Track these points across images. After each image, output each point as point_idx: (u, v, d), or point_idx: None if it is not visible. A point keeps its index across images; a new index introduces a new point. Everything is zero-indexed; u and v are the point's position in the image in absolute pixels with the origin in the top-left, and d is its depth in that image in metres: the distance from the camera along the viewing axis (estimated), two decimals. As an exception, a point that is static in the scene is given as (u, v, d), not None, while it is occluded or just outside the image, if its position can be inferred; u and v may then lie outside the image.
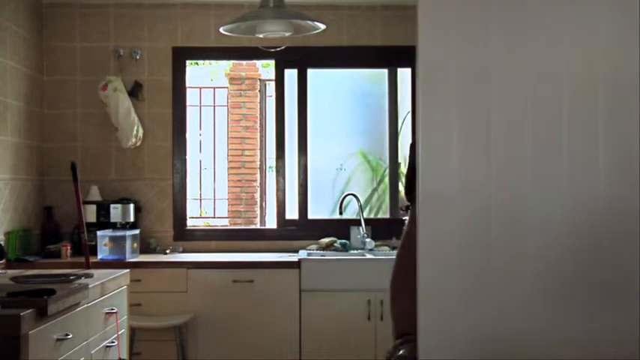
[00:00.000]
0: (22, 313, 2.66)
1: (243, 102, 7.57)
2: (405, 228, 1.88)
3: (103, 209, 5.33)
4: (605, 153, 1.37)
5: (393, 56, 5.67)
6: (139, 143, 5.47)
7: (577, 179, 1.37)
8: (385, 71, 5.81)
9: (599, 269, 1.37)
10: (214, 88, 7.93)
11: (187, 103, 5.77)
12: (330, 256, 5.26)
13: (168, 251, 5.42)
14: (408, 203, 1.85)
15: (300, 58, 5.67)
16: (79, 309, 3.24)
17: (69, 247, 5.14)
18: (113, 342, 3.72)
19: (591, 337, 1.37)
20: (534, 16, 1.38)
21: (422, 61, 1.39)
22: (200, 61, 7.86)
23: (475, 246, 1.38)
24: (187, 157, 5.75)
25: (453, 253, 1.39)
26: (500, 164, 1.38)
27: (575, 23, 1.37)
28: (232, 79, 7.61)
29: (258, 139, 7.30)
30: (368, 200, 5.98)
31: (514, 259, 1.37)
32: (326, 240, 5.45)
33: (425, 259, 1.39)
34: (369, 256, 5.20)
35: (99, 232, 5.13)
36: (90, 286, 3.35)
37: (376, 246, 5.39)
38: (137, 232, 5.33)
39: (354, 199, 5.64)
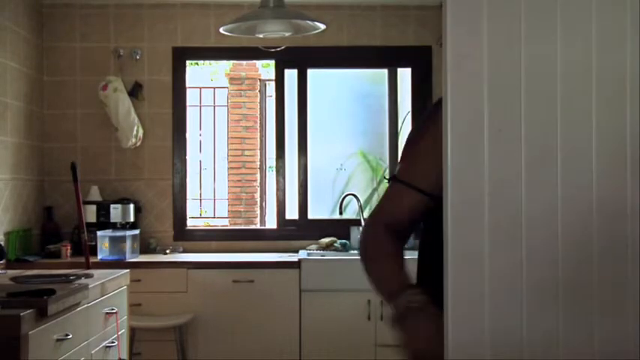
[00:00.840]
0: (22, 313, 2.66)
1: (243, 102, 7.57)
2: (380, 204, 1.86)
3: (103, 209, 5.33)
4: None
5: (393, 56, 5.67)
6: (139, 143, 5.47)
7: (602, 180, 1.37)
8: (385, 71, 5.80)
9: (610, 270, 1.37)
10: (214, 88, 7.93)
11: (187, 103, 5.77)
12: (330, 256, 5.26)
13: (168, 251, 5.42)
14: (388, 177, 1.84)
15: (300, 58, 5.66)
16: (79, 309, 3.24)
17: (69, 247, 5.14)
18: (113, 342, 3.72)
19: (591, 337, 1.37)
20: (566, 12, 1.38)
21: (450, 54, 1.39)
22: (200, 61, 7.85)
23: (504, 247, 1.39)
24: (187, 157, 5.75)
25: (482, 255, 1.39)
26: (530, 164, 1.37)
27: (604, 20, 1.37)
28: (232, 79, 7.61)
29: (258, 139, 7.30)
30: (368, 200, 5.98)
31: (516, 261, 1.37)
32: (326, 240, 5.45)
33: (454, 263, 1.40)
34: (369, 256, 5.19)
35: (99, 232, 5.13)
36: (90, 286, 3.35)
37: (376, 246, 5.39)
38: (137, 232, 5.33)
39: (354, 199, 5.64)
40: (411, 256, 1.78)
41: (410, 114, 5.77)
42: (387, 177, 1.74)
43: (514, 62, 1.37)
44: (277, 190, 5.75)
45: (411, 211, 1.74)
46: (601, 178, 1.37)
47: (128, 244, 5.13)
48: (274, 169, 5.95)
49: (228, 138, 7.59)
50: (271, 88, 6.35)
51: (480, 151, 1.37)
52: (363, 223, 5.50)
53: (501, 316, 1.37)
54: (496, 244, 1.38)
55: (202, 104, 7.62)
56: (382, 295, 1.74)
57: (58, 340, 2.99)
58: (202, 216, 7.91)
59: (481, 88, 1.37)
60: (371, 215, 1.84)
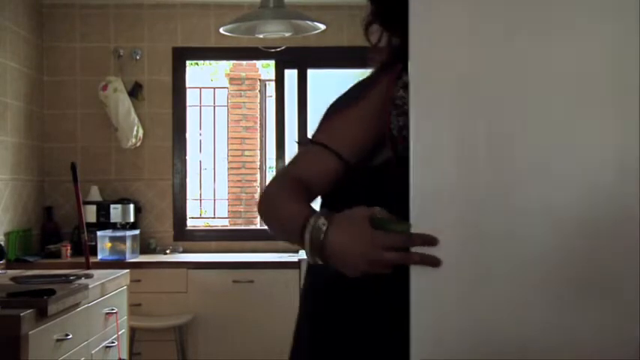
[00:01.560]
0: (22, 313, 2.66)
1: (243, 102, 7.57)
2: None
3: (103, 209, 5.33)
4: (609, 150, 1.37)
5: (393, 56, 5.67)
6: (138, 143, 5.47)
7: (580, 177, 1.37)
8: (385, 71, 5.80)
9: (599, 267, 1.37)
10: (214, 88, 7.92)
11: (187, 104, 5.78)
12: (330, 256, 5.25)
13: (168, 251, 5.42)
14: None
15: (300, 58, 5.67)
16: (79, 309, 3.24)
17: (69, 248, 5.15)
18: (113, 342, 3.72)
19: (591, 337, 1.37)
20: (533, 15, 1.38)
21: (414, 63, 1.39)
22: (200, 62, 7.85)
23: (469, 246, 1.38)
24: (187, 157, 5.75)
25: (447, 254, 1.38)
26: (495, 164, 1.37)
27: (577, 24, 1.37)
28: (232, 80, 7.61)
29: (258, 140, 7.29)
30: (368, 200, 5.97)
31: (510, 258, 1.37)
32: (326, 240, 5.44)
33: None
34: (369, 256, 5.19)
35: (99, 233, 5.13)
36: (90, 286, 3.35)
37: (376, 246, 5.39)
38: (137, 232, 5.33)
39: (354, 199, 5.64)
40: None
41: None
42: (300, 140, 1.60)
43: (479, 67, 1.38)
44: (277, 190, 5.74)
45: (321, 176, 1.53)
46: (604, 175, 1.37)
47: (128, 244, 5.13)
48: (274, 170, 5.95)
49: (228, 138, 7.59)
50: (271, 88, 6.35)
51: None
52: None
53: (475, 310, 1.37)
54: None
55: (202, 104, 7.61)
56: (291, 240, 1.48)
57: (58, 340, 2.99)
58: (202, 216, 7.90)
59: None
60: (275, 175, 1.63)
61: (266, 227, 1.60)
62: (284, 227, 1.50)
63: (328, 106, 1.65)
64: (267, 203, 1.53)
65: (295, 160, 1.59)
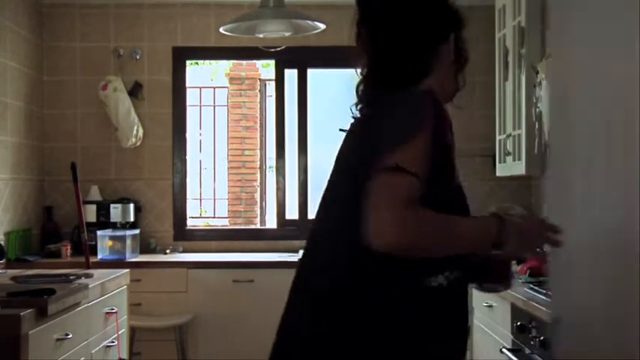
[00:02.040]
0: (22, 313, 2.66)
1: (243, 102, 7.58)
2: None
3: (103, 209, 5.33)
4: None
5: (393, 56, 5.66)
6: (138, 143, 5.47)
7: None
8: (385, 71, 5.79)
9: None
10: (214, 88, 7.92)
11: (187, 103, 5.78)
12: (330, 256, 5.25)
13: (168, 251, 5.42)
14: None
15: (300, 58, 5.66)
16: (79, 309, 3.24)
17: (69, 247, 5.14)
18: (113, 342, 3.72)
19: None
20: None
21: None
22: (200, 61, 7.85)
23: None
24: (187, 157, 5.75)
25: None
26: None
27: None
28: (232, 79, 7.61)
29: (258, 139, 7.30)
30: (368, 200, 5.97)
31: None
32: (326, 240, 5.43)
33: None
34: (369, 256, 5.18)
35: (99, 232, 5.13)
36: (90, 286, 3.35)
37: (376, 246, 5.38)
38: (137, 232, 5.33)
39: (354, 199, 5.63)
40: None
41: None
42: (381, 167, 1.62)
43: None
44: (277, 190, 5.75)
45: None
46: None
47: (128, 244, 5.13)
48: (274, 169, 5.95)
49: (228, 138, 7.59)
50: (271, 88, 6.35)
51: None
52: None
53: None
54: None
55: (202, 104, 7.62)
56: (483, 246, 1.68)
57: (58, 339, 2.99)
58: (202, 216, 7.90)
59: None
60: (386, 209, 1.57)
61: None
62: (473, 236, 1.67)
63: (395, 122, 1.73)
64: (435, 227, 1.61)
65: (392, 189, 1.60)
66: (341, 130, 1.95)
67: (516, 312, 3.31)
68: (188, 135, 5.78)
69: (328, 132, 6.13)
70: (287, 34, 4.55)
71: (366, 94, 1.86)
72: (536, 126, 4.01)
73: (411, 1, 1.81)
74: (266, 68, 7.37)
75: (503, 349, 3.38)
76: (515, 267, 3.56)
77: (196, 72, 8.22)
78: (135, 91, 5.50)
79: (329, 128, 6.46)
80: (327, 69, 5.91)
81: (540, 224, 1.75)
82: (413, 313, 1.66)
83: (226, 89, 7.68)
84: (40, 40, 5.47)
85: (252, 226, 6.88)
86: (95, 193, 5.39)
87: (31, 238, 5.20)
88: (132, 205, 5.39)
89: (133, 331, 4.61)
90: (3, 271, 3.96)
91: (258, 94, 7.49)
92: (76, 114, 5.54)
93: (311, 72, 5.76)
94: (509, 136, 4.53)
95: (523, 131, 4.21)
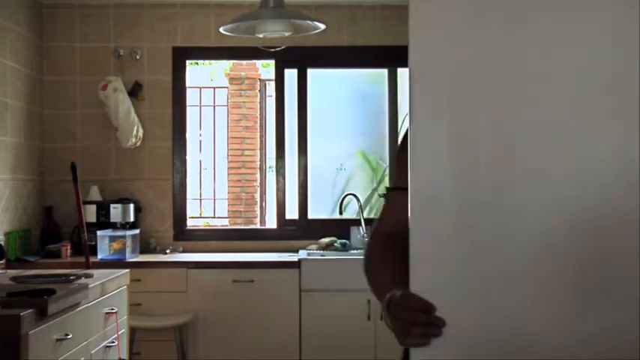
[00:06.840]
0: (22, 313, 2.66)
1: (243, 102, 7.57)
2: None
3: (103, 209, 5.33)
4: (606, 152, 1.36)
5: (393, 56, 5.63)
6: (139, 143, 5.47)
7: (577, 177, 1.36)
8: (385, 71, 5.80)
9: (599, 267, 1.37)
10: (214, 88, 7.92)
11: (187, 103, 5.78)
12: (330, 256, 5.26)
13: (168, 251, 5.42)
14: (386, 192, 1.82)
15: (300, 58, 5.67)
16: (79, 309, 3.24)
17: (69, 247, 5.15)
18: (113, 342, 3.72)
19: (591, 337, 1.37)
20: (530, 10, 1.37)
21: (414, 58, 1.39)
22: (200, 61, 7.85)
23: (469, 246, 1.38)
24: (187, 157, 5.75)
25: (446, 254, 1.39)
26: (493, 164, 1.38)
27: (575, 20, 1.37)
28: (232, 79, 7.61)
29: (258, 139, 7.30)
30: (368, 200, 5.98)
31: (510, 258, 1.37)
32: (326, 240, 5.45)
33: (417, 262, 1.41)
34: (369, 256, 5.19)
35: (99, 232, 5.13)
36: (90, 286, 3.35)
37: (376, 246, 5.38)
38: (137, 232, 5.33)
39: (354, 199, 5.64)
40: None
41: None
42: (384, 191, 1.71)
43: (477, 65, 1.38)
44: (277, 190, 5.75)
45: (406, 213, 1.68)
46: (602, 177, 1.37)
47: (128, 244, 5.13)
48: (274, 169, 5.96)
49: (228, 138, 7.59)
50: (271, 88, 6.35)
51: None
52: (363, 225, 5.50)
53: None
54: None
55: (202, 104, 7.62)
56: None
57: (58, 340, 3.00)
58: (202, 216, 7.90)
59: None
60: (371, 228, 1.83)
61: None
62: (376, 293, 1.67)
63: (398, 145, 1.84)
64: (366, 266, 1.73)
65: (382, 216, 1.76)
66: None
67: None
68: (188, 135, 5.78)
69: (328, 132, 6.19)
70: (287, 34, 4.55)
71: None
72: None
73: None
74: (266, 68, 7.37)
75: None
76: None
77: (196, 72, 8.22)
78: (135, 92, 5.50)
79: (329, 128, 6.54)
80: (327, 69, 5.91)
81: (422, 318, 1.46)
82: None
83: (226, 89, 7.67)
84: (40, 40, 5.47)
85: (252, 226, 6.88)
86: (95, 193, 5.39)
87: (31, 239, 5.20)
88: (132, 205, 5.39)
89: (133, 331, 4.61)
90: (3, 271, 3.96)
91: (258, 94, 7.49)
92: (76, 114, 5.54)
93: (311, 72, 5.76)
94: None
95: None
